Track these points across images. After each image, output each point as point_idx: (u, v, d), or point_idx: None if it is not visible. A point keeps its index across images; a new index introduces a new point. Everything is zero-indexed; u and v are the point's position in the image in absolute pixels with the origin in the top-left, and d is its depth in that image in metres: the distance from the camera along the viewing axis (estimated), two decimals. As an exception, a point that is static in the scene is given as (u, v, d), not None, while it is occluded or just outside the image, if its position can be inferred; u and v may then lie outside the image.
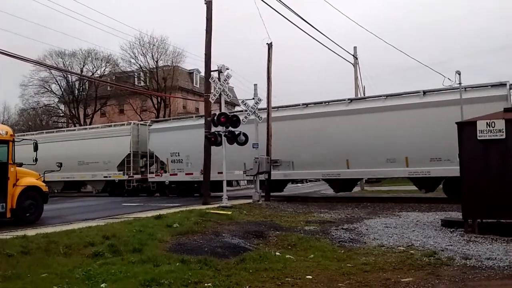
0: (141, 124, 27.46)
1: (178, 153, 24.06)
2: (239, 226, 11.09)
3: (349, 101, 19.59)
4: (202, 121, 21.77)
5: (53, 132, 32.67)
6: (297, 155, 19.84)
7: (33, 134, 32.40)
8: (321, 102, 20.29)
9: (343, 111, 19.20)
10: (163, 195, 25.18)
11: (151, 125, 26.29)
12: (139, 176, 25.90)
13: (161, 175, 24.79)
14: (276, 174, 20.03)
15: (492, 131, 9.72)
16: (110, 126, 29.26)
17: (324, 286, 6.20)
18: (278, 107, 21.19)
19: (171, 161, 24.48)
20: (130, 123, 27.39)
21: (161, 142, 24.80)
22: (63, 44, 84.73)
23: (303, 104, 20.75)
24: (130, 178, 25.83)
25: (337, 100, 19.94)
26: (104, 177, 26.80)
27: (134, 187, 26.08)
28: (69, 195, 29.10)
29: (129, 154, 25.83)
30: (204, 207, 15.11)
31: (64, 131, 32.55)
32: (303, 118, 20.06)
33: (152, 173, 25.58)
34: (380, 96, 19.00)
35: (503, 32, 77.78)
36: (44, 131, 35.40)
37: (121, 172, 26.05)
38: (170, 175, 24.39)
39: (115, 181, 26.41)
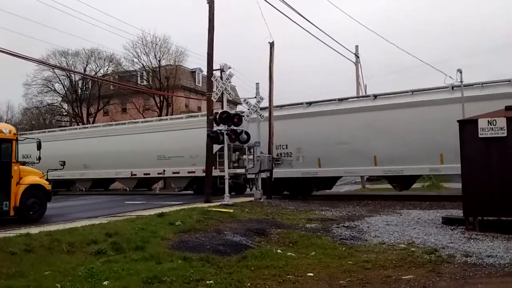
0: None
1: (286, 145, 20.98)
2: (240, 224, 11.14)
3: (508, 81, 16.60)
4: (317, 108, 20.21)
5: (125, 123, 28.89)
6: (444, 145, 16.53)
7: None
8: (478, 84, 17.09)
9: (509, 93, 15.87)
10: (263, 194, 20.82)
11: (248, 114, 22.93)
12: (234, 172, 22.38)
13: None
14: (415, 169, 17.90)
15: (494, 129, 9.73)
16: (197, 116, 25.37)
17: (325, 283, 6.25)
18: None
19: (277, 155, 21.62)
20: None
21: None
22: (66, 43, 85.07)
23: (452, 87, 17.09)
24: (222, 174, 21.90)
25: (496, 82, 17.01)
26: (188, 172, 23.68)
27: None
28: (139, 193, 26.82)
29: (222, 147, 21.73)
30: (206, 205, 15.16)
31: (139, 122, 28.68)
32: (452, 102, 16.77)
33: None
34: None
35: (503, 31, 77.54)
36: (113, 122, 31.83)
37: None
38: None
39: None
